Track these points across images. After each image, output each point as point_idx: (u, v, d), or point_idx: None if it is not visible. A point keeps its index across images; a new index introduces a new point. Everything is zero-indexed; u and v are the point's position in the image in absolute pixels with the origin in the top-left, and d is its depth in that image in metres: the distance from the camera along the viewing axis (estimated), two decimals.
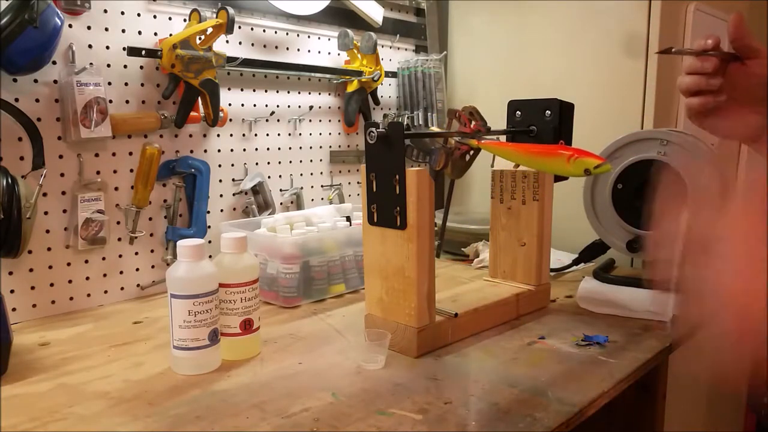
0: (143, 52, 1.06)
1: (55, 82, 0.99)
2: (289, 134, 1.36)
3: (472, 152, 0.96)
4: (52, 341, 0.89)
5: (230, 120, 1.24)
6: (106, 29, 1.05)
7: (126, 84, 1.08)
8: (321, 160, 1.43)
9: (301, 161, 1.39)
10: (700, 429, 1.79)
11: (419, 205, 0.79)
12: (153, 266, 1.14)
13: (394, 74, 1.56)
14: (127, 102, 1.08)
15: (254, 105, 1.28)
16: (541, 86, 1.46)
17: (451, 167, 0.94)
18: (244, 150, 1.27)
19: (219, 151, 1.23)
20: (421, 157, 0.82)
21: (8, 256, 0.90)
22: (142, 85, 1.10)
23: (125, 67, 1.07)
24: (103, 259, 1.07)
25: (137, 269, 1.12)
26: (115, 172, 1.07)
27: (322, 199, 1.44)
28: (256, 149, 1.29)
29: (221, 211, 1.24)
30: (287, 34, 1.34)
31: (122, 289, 1.10)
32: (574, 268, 1.26)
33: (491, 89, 1.60)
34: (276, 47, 1.32)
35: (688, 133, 1.12)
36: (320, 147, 1.43)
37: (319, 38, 1.40)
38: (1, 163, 0.94)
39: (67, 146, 1.01)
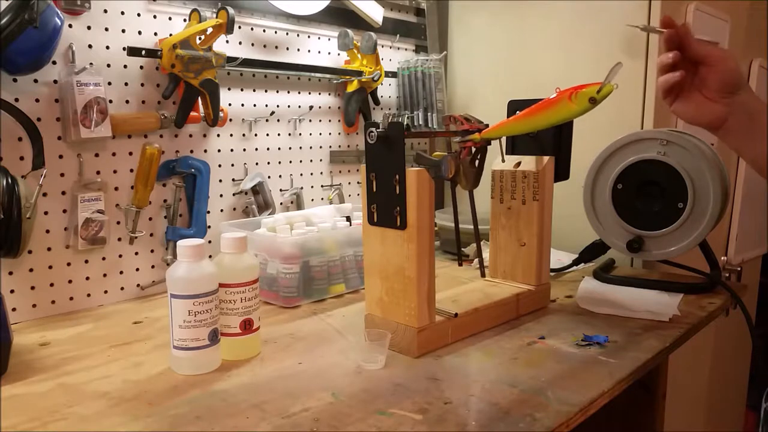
0: (143, 52, 1.06)
1: (55, 82, 1.00)
2: (289, 134, 1.36)
3: (480, 156, 0.95)
4: (52, 341, 0.89)
5: (230, 120, 1.24)
6: (106, 29, 1.05)
7: (126, 84, 1.08)
8: (321, 160, 1.43)
9: (301, 161, 1.39)
10: (700, 429, 1.79)
11: (419, 205, 0.79)
12: (153, 266, 1.14)
13: (394, 74, 1.56)
14: (127, 102, 1.08)
15: (254, 105, 1.28)
16: (541, 86, 1.46)
17: (463, 176, 0.93)
18: (244, 150, 1.27)
19: (219, 151, 1.23)
20: (432, 173, 0.82)
21: (8, 256, 0.90)
22: (142, 85, 1.10)
23: (125, 67, 1.07)
24: (103, 259, 1.07)
25: (137, 269, 1.12)
26: (115, 172, 1.07)
27: (322, 199, 1.44)
28: (256, 149, 1.29)
29: (221, 211, 1.24)
30: (287, 34, 1.34)
31: (122, 289, 1.10)
32: (574, 268, 1.26)
33: (491, 89, 1.60)
34: (276, 47, 1.32)
35: (688, 133, 1.12)
36: (320, 147, 1.43)
37: (319, 38, 1.40)
38: (1, 163, 0.94)
39: (67, 146, 1.01)
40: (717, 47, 0.79)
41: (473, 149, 0.93)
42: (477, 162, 0.95)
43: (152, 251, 1.14)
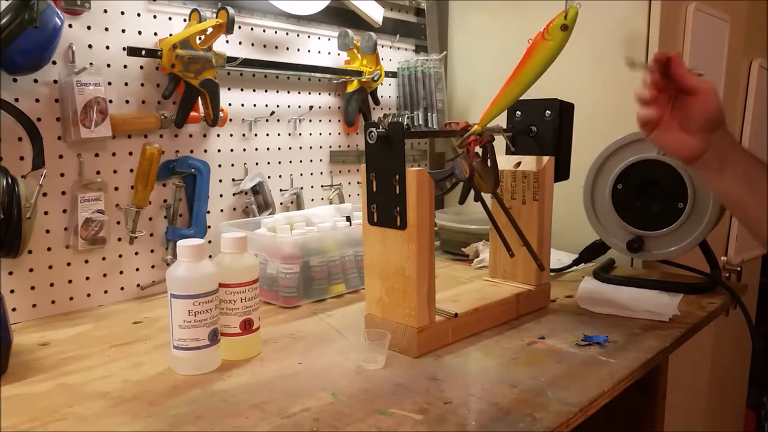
0: (143, 52, 1.06)
1: (55, 82, 0.99)
2: (289, 134, 1.36)
3: (490, 155, 0.94)
4: (52, 341, 0.89)
5: (230, 120, 1.24)
6: (106, 29, 1.05)
7: (126, 84, 1.08)
8: (321, 160, 1.43)
9: (301, 161, 1.39)
10: (700, 429, 1.79)
11: (419, 205, 0.79)
12: (153, 266, 1.14)
13: (394, 74, 1.56)
14: (127, 102, 1.08)
15: (254, 105, 1.28)
16: (541, 86, 1.46)
17: (480, 178, 0.92)
18: (244, 150, 1.27)
19: (219, 151, 1.23)
20: (453, 180, 0.81)
21: (8, 256, 0.90)
22: (142, 85, 1.10)
23: (125, 67, 1.07)
24: (103, 259, 1.07)
25: (137, 269, 1.12)
26: (115, 172, 1.07)
27: (322, 199, 1.44)
28: (256, 149, 1.29)
29: (221, 211, 1.24)
30: (287, 34, 1.34)
31: (122, 289, 1.10)
32: (574, 268, 1.26)
33: (491, 89, 1.59)
34: (276, 47, 1.32)
35: None
36: (320, 147, 1.43)
37: (319, 38, 1.40)
38: (1, 163, 0.94)
39: (67, 146, 1.01)
40: (705, 81, 0.80)
41: (479, 148, 0.93)
42: (489, 162, 0.95)
43: (152, 251, 1.14)
